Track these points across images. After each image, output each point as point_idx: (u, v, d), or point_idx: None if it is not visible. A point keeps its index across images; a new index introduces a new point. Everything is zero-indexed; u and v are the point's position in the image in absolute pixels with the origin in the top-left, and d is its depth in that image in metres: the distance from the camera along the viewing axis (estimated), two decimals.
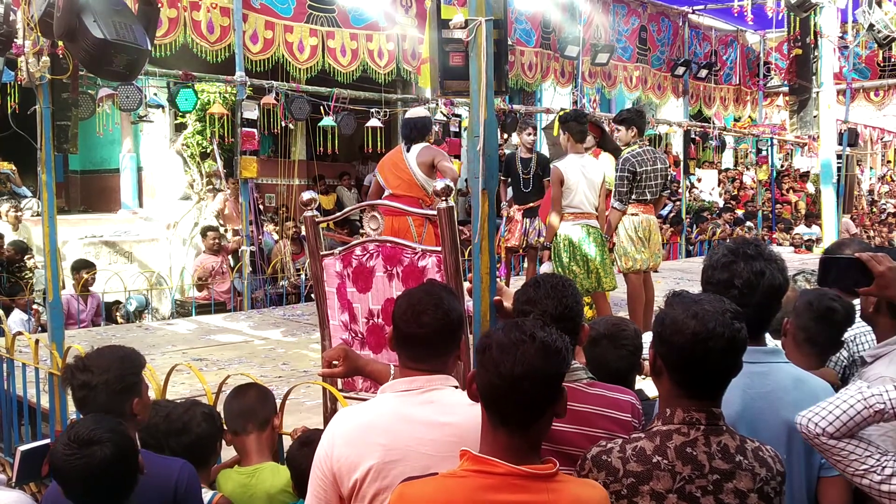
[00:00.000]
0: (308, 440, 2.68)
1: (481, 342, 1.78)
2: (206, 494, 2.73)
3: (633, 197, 6.36)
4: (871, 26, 7.20)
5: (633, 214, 6.39)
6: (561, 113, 7.80)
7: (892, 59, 13.29)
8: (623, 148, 6.55)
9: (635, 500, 1.85)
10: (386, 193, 6.11)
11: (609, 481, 1.88)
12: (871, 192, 21.24)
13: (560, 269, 6.04)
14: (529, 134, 8.04)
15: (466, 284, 2.74)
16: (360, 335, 3.22)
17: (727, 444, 1.89)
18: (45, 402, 4.39)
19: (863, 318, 2.67)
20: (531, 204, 7.86)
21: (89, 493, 2.21)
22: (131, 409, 2.62)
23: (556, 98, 13.23)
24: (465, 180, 8.78)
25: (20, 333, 5.08)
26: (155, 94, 8.44)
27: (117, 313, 8.81)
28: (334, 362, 2.54)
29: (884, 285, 2.31)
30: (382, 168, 6.32)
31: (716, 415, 1.92)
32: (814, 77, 6.94)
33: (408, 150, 6.18)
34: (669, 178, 6.57)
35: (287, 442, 3.10)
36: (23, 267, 8.47)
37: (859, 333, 2.98)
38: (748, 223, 15.09)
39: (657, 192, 6.45)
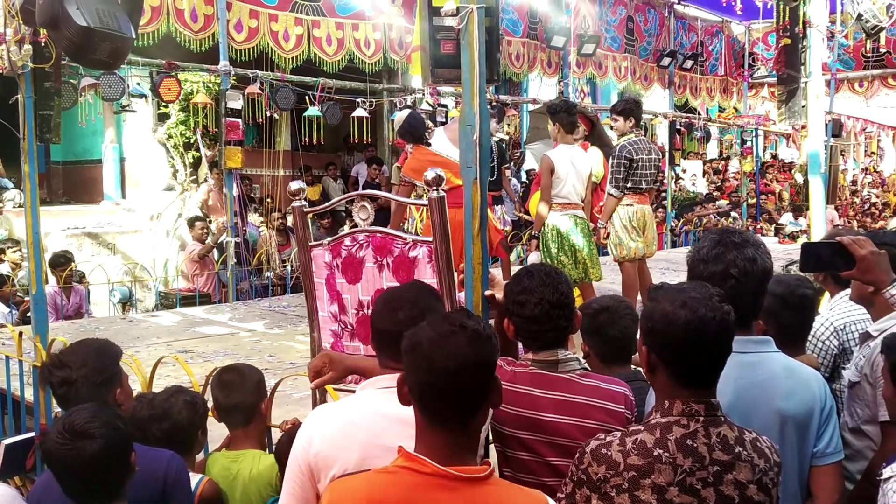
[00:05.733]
0: None
1: (410, 339, 1.74)
2: (193, 479, 2.73)
3: (629, 186, 6.39)
4: (860, 16, 7.25)
5: (627, 205, 6.44)
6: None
7: (879, 50, 13.37)
8: (617, 138, 6.58)
9: (636, 493, 1.84)
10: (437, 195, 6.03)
11: (610, 475, 1.86)
12: (854, 182, 21.39)
13: (548, 259, 6.06)
14: None
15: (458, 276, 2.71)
16: (349, 326, 3.18)
17: (726, 435, 1.89)
18: (29, 395, 4.34)
19: (855, 301, 2.68)
20: (495, 193, 7.79)
21: (79, 485, 2.19)
22: (114, 399, 2.61)
23: (542, 88, 13.21)
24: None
25: (3, 326, 5.02)
26: (138, 84, 8.34)
27: None
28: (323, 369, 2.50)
29: (865, 269, 2.33)
30: (421, 172, 6.20)
31: (714, 405, 1.92)
32: (802, 67, 6.98)
33: (429, 145, 6.11)
34: (660, 169, 6.64)
35: (276, 434, 3.07)
36: None
37: (849, 323, 2.99)
38: (733, 213, 15.17)
39: (651, 181, 6.49)
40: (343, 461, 1.96)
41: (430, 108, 9.66)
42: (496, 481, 1.74)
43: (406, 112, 6.52)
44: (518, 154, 13.44)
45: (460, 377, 1.68)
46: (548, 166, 6.11)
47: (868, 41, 10.91)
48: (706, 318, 1.85)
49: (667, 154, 13.39)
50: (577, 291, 6.18)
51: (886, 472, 1.99)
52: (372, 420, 2.01)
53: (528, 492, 1.80)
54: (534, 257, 6.20)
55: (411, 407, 1.96)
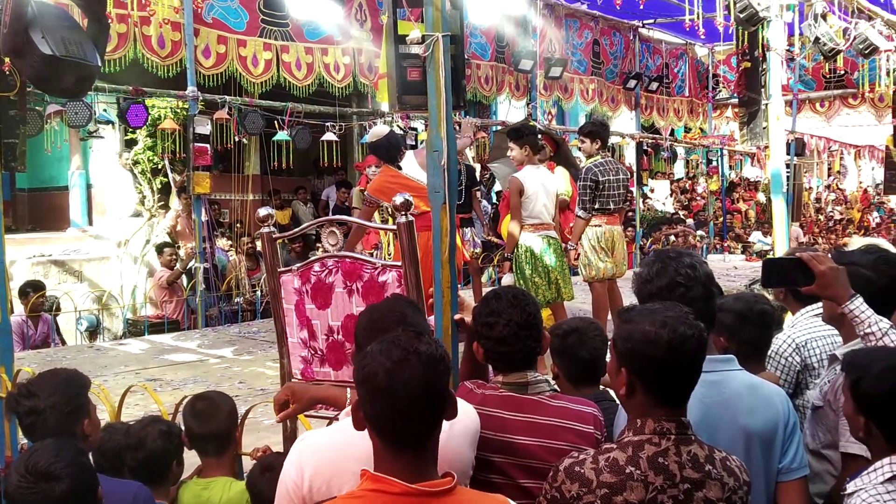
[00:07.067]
0: (269, 466, 2.65)
1: (363, 370, 1.72)
2: None
3: (597, 207, 6.47)
4: (817, 39, 7.46)
5: (596, 226, 6.51)
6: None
7: (838, 71, 13.67)
8: (585, 160, 6.68)
9: None
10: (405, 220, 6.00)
11: (582, 492, 1.88)
12: (818, 200, 21.78)
13: (522, 280, 6.08)
14: None
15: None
16: (319, 352, 3.18)
17: (696, 453, 1.91)
18: None
19: (826, 321, 2.73)
20: (464, 215, 7.79)
21: None
22: (82, 430, 2.57)
23: (511, 111, 13.33)
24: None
25: None
26: (104, 110, 8.29)
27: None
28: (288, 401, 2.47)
29: (824, 284, 2.37)
30: (388, 192, 6.14)
31: (685, 424, 1.94)
32: (762, 89, 7.15)
33: (399, 168, 6.12)
34: (629, 189, 6.72)
35: (246, 462, 3.05)
36: None
37: (811, 339, 3.04)
38: (700, 232, 15.36)
39: (620, 202, 6.57)
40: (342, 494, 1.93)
41: (402, 132, 9.69)
42: (461, 491, 1.77)
43: (384, 128, 6.52)
44: (488, 175, 13.51)
45: (418, 402, 1.69)
46: (517, 187, 6.16)
47: (826, 63, 11.18)
48: (686, 336, 1.89)
49: (635, 174, 13.57)
50: (548, 312, 6.23)
51: (850, 487, 2.03)
52: (365, 451, 1.95)
53: (490, 496, 1.85)
54: (507, 279, 6.21)
55: None
